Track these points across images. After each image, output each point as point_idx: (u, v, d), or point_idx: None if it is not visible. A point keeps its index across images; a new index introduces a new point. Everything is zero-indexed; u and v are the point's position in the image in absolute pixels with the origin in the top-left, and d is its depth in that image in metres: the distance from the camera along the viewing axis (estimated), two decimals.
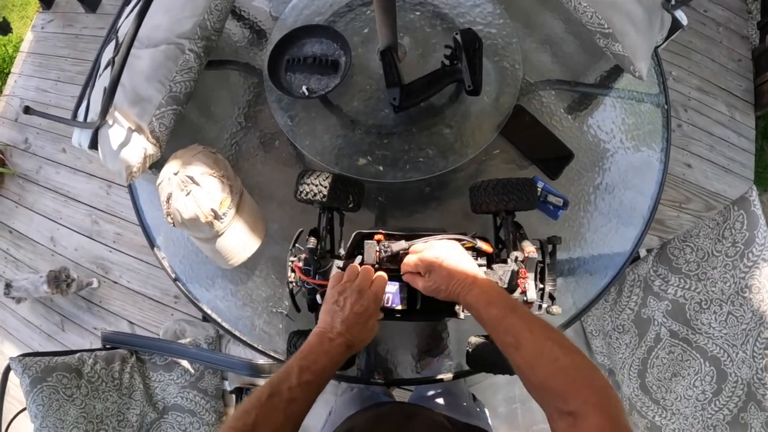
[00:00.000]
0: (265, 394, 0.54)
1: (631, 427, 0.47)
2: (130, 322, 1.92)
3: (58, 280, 1.84)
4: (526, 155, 0.95)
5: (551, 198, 0.92)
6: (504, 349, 0.57)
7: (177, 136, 0.97)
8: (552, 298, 0.75)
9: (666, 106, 1.06)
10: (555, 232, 0.93)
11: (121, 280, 1.96)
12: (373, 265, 0.76)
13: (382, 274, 0.69)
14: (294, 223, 0.91)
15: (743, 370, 0.94)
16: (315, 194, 0.77)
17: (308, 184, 0.78)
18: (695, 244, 1.02)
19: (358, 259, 0.76)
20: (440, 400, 0.98)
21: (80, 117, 1.06)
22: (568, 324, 0.94)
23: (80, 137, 1.01)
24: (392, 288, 0.73)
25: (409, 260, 0.68)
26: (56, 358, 1.16)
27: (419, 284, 0.66)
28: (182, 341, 1.34)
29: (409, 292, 0.72)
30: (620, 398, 0.54)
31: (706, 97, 1.99)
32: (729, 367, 0.97)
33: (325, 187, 0.77)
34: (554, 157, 0.96)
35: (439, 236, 0.71)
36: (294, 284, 0.75)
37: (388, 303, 0.72)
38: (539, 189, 0.92)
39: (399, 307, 0.72)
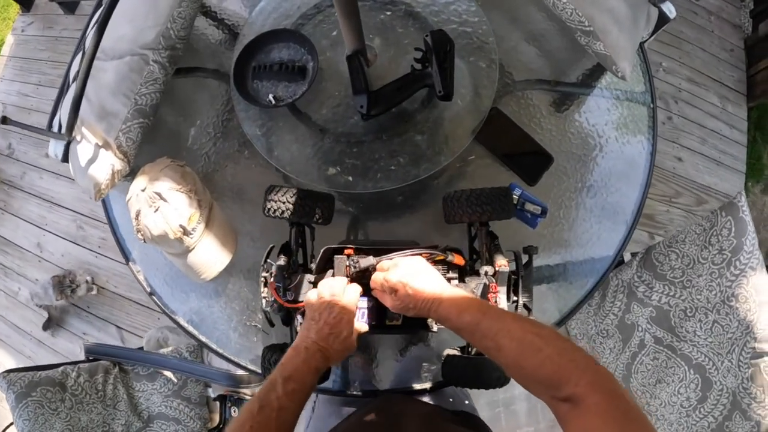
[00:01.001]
0: (255, 406, 0.55)
1: (624, 392, 0.48)
2: (118, 327, 1.91)
3: (63, 286, 1.84)
4: (503, 161, 0.93)
5: (529, 206, 0.90)
6: (486, 353, 0.58)
7: (147, 147, 0.95)
8: (528, 309, 0.73)
9: (652, 105, 1.02)
10: (536, 238, 0.92)
11: (108, 285, 1.95)
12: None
13: (356, 285, 0.69)
14: (267, 235, 0.90)
15: (728, 379, 0.93)
16: (283, 211, 0.75)
17: (274, 201, 0.76)
18: (681, 251, 1.00)
19: (329, 273, 0.74)
20: (442, 398, 0.97)
21: (55, 128, 1.04)
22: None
23: (56, 148, 1.00)
24: (363, 303, 0.71)
25: (376, 278, 0.67)
26: (40, 372, 1.17)
27: (388, 302, 0.66)
28: (165, 350, 1.33)
29: (378, 307, 0.71)
30: (607, 368, 0.55)
31: (697, 89, 1.95)
32: (714, 376, 0.96)
33: (291, 203, 0.75)
34: (533, 161, 0.93)
35: (407, 251, 0.69)
36: (266, 300, 0.74)
37: (361, 318, 0.70)
38: (516, 197, 0.90)
39: (367, 323, 0.70)
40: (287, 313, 0.74)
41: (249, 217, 0.96)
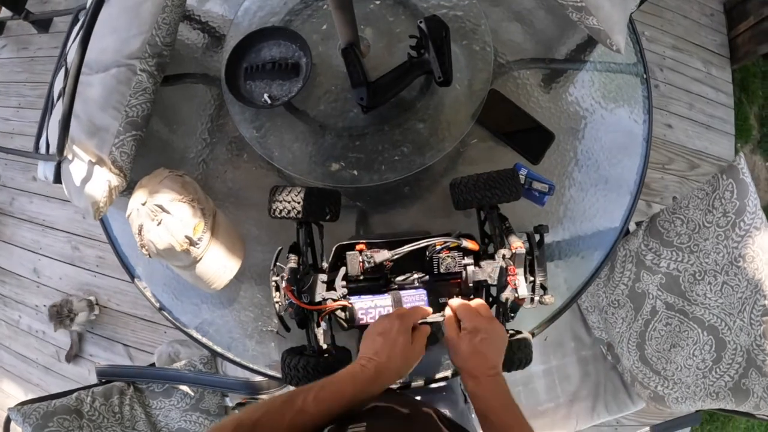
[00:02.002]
0: (279, 399, 0.54)
1: None
2: (125, 345, 1.89)
3: (60, 315, 1.80)
4: (506, 142, 0.92)
5: (536, 185, 0.90)
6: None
7: (142, 159, 0.93)
8: (544, 288, 0.74)
9: (645, 75, 1.03)
10: (542, 217, 0.92)
11: (110, 303, 1.92)
12: (357, 277, 0.74)
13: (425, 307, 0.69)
14: (274, 237, 0.88)
15: (741, 338, 0.94)
16: (289, 211, 0.74)
17: (281, 201, 0.75)
18: (685, 216, 1.01)
19: (342, 271, 0.73)
20: (439, 395, 0.97)
21: (42, 149, 1.01)
22: (565, 308, 0.92)
23: (45, 170, 0.97)
24: (383, 302, 0.71)
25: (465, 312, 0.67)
26: (54, 401, 1.14)
27: (454, 340, 0.65)
28: (177, 364, 1.31)
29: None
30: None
31: (681, 55, 1.96)
32: (727, 336, 0.97)
33: (299, 203, 0.74)
34: (535, 140, 0.93)
35: (421, 242, 0.69)
36: (280, 304, 0.73)
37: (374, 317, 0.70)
38: (523, 177, 0.90)
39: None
40: (303, 316, 0.73)
41: (254, 221, 0.95)
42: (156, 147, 1.01)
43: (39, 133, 1.05)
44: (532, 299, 0.72)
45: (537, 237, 0.75)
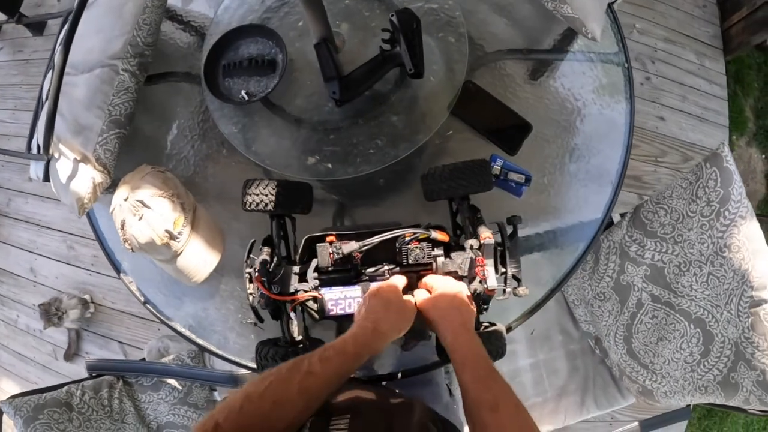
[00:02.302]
0: (285, 366, 0.55)
1: None
2: (120, 342, 1.91)
3: (49, 314, 1.82)
4: (481, 132, 0.92)
5: (512, 175, 0.90)
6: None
7: (128, 156, 0.95)
8: (517, 280, 0.74)
9: (627, 64, 1.02)
10: (524, 207, 0.92)
11: (105, 301, 1.94)
12: (328, 268, 0.74)
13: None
14: (254, 231, 0.89)
15: (729, 330, 0.92)
16: (258, 204, 0.75)
17: (253, 195, 0.76)
18: (669, 206, 0.99)
19: (314, 262, 0.74)
20: (423, 388, 0.97)
21: (34, 149, 1.03)
22: (547, 297, 0.92)
23: (36, 169, 1.00)
24: (353, 293, 0.71)
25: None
26: (45, 394, 1.16)
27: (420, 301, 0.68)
28: (167, 358, 1.33)
29: None
30: None
31: (673, 47, 1.95)
32: (714, 328, 0.95)
33: (270, 195, 0.75)
34: (511, 131, 0.93)
35: (389, 233, 0.69)
36: (253, 296, 0.74)
37: (348, 309, 0.71)
38: (498, 167, 0.89)
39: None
40: (276, 307, 0.74)
41: (234, 215, 0.96)
42: (141, 144, 1.03)
43: (31, 133, 1.07)
44: (504, 291, 0.72)
45: (511, 228, 0.75)
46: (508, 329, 0.89)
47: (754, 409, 0.95)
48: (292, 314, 0.73)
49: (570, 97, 0.97)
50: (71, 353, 1.94)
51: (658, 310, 1.05)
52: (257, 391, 0.52)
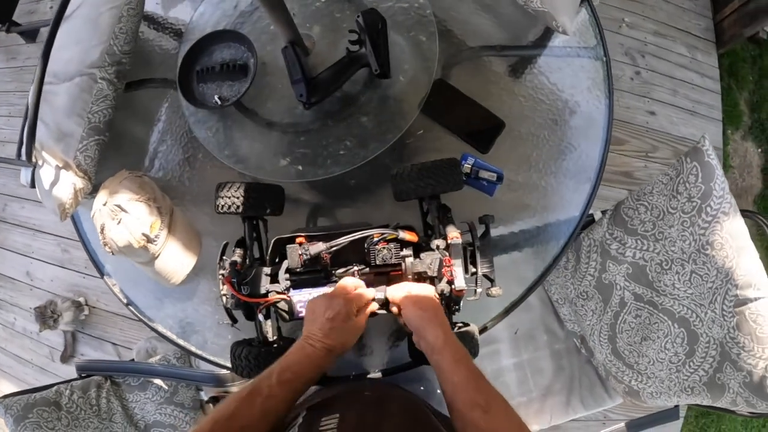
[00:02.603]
0: (246, 390, 0.58)
1: None
2: (114, 344, 1.93)
3: (44, 317, 1.84)
4: (453, 131, 0.92)
5: (484, 173, 0.89)
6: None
7: (109, 162, 0.97)
8: (490, 279, 0.73)
9: (605, 58, 1.01)
10: (499, 206, 0.91)
11: (98, 304, 1.97)
12: (297, 269, 0.74)
13: (354, 279, 0.70)
14: (230, 234, 0.90)
15: (714, 330, 0.89)
16: (230, 206, 0.76)
17: (224, 197, 0.76)
18: (649, 203, 0.97)
19: (284, 264, 0.74)
20: (415, 384, 0.97)
21: (23, 156, 1.05)
22: (523, 297, 0.91)
23: (26, 175, 1.02)
24: (303, 296, 0.72)
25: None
26: (35, 394, 1.19)
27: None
28: (154, 359, 1.35)
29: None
30: None
31: (663, 41, 1.92)
32: (699, 328, 0.92)
33: (240, 198, 0.75)
34: (483, 129, 0.92)
35: (356, 234, 0.70)
36: (226, 297, 0.74)
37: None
38: (469, 166, 0.89)
39: None
40: (248, 307, 0.74)
41: (210, 218, 0.97)
42: (122, 149, 1.05)
43: (20, 140, 1.09)
44: (474, 291, 0.72)
45: (483, 228, 0.75)
46: (483, 329, 0.89)
47: (741, 411, 0.92)
48: (260, 316, 0.73)
49: (548, 93, 0.96)
50: (67, 355, 1.96)
51: (641, 309, 1.03)
52: (224, 415, 0.56)
